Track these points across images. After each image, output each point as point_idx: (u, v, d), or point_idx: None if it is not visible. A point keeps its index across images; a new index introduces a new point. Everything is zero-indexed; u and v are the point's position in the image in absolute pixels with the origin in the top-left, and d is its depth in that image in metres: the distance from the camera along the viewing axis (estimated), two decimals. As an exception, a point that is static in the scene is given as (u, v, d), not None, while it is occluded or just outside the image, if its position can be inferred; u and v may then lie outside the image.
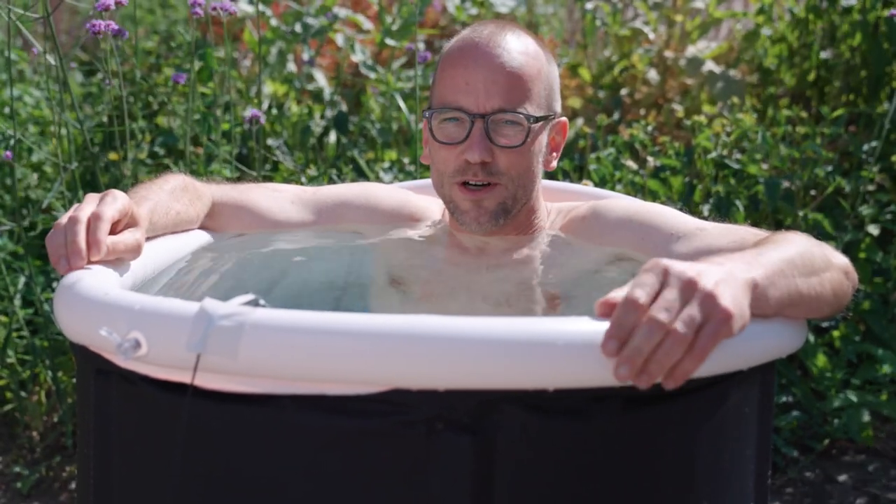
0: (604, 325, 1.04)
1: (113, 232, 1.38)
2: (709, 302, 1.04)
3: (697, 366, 1.03)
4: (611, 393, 1.05)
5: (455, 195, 1.67)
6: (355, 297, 1.74)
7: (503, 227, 1.70)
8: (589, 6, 4.27)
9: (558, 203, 1.84)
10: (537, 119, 1.64)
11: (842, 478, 2.75)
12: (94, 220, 1.33)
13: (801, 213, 3.08)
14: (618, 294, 1.07)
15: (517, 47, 1.63)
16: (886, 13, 3.43)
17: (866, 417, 2.77)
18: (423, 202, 1.88)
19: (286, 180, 3.19)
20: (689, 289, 1.04)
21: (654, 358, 1.02)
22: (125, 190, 1.49)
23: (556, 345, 1.04)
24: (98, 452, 1.24)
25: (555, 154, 1.75)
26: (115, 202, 1.37)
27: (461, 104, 1.62)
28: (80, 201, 1.40)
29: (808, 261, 1.24)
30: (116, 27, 2.33)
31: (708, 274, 1.06)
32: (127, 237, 1.39)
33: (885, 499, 2.65)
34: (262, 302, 1.09)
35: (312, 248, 1.80)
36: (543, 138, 1.69)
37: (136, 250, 1.40)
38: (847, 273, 1.33)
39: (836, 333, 2.96)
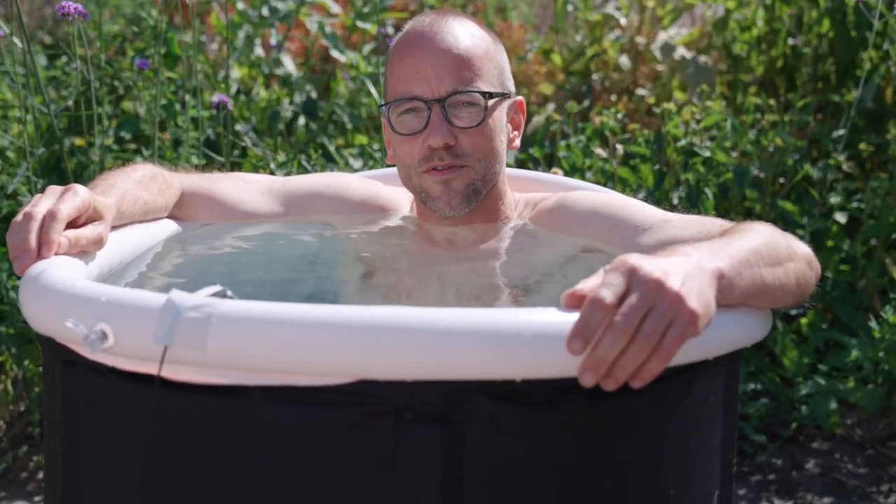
0: (570, 317, 1.04)
1: (75, 225, 1.37)
2: (676, 304, 1.04)
3: (664, 366, 1.04)
4: (578, 383, 1.06)
5: (424, 182, 1.66)
6: (324, 289, 1.73)
7: (472, 215, 1.70)
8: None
9: (527, 194, 1.84)
10: (492, 95, 1.64)
11: (808, 464, 2.78)
12: (49, 218, 1.31)
13: (769, 201, 3.10)
14: (584, 286, 1.07)
15: (461, 30, 1.65)
16: (853, 0, 3.45)
17: (833, 404, 2.80)
18: (393, 193, 1.87)
19: (255, 166, 3.17)
20: (656, 291, 1.04)
21: (618, 364, 1.03)
22: (92, 176, 1.48)
23: (524, 335, 1.04)
24: (65, 444, 1.23)
25: (516, 133, 1.77)
26: (74, 198, 1.35)
27: (415, 92, 1.62)
28: (42, 190, 1.39)
29: (773, 251, 1.25)
30: (85, 11, 2.30)
31: (674, 273, 1.06)
32: (88, 231, 1.37)
33: (851, 485, 2.68)
34: (229, 293, 1.09)
35: (281, 239, 1.80)
36: (502, 117, 1.70)
37: (97, 244, 1.39)
38: (810, 263, 1.34)
39: (803, 321, 2.98)
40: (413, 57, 1.63)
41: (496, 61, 1.68)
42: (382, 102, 1.70)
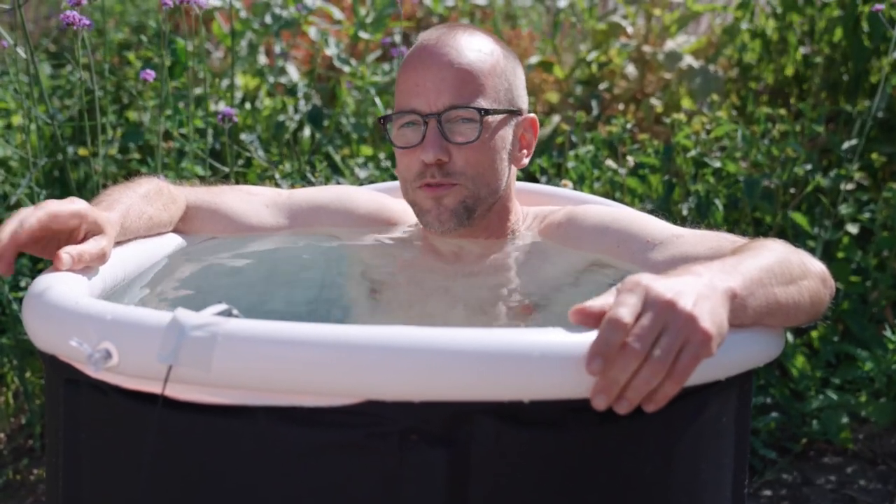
0: (580, 337, 1.04)
1: (76, 241, 1.35)
2: (689, 325, 1.03)
3: (678, 388, 1.03)
4: (587, 404, 1.04)
5: (417, 196, 1.65)
6: (330, 304, 1.72)
7: (474, 230, 1.68)
8: (563, 3, 4.24)
9: (535, 207, 1.83)
10: (492, 112, 1.62)
11: (819, 480, 2.75)
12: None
13: (780, 212, 3.07)
14: (593, 303, 1.06)
15: (467, 45, 1.63)
16: (868, 9, 3.42)
17: (844, 419, 2.77)
18: (400, 206, 1.85)
19: (260, 176, 3.16)
20: (668, 311, 1.03)
21: (631, 385, 1.02)
22: (96, 187, 1.46)
23: (532, 356, 1.03)
24: (67, 463, 1.22)
25: (525, 152, 1.74)
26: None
27: (413, 106, 1.61)
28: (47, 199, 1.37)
29: (785, 269, 1.24)
30: (89, 21, 2.28)
31: (687, 293, 1.05)
32: (90, 246, 1.35)
33: (862, 501, 2.65)
34: (235, 312, 1.08)
35: (287, 253, 1.78)
36: (507, 134, 1.66)
37: (100, 259, 1.37)
38: (824, 280, 1.33)
39: (814, 334, 2.95)
40: (416, 70, 1.62)
41: (504, 77, 1.65)
42: (386, 114, 1.69)
